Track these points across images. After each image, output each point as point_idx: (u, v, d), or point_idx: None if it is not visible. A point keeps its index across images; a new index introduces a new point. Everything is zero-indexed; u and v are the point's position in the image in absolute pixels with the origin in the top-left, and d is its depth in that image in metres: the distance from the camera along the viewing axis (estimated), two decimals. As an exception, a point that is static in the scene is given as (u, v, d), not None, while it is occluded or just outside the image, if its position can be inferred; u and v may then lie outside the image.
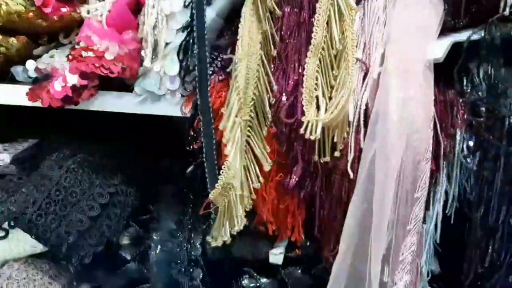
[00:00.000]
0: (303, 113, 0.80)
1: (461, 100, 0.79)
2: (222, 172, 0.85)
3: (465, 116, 0.79)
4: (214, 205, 0.89)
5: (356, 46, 0.82)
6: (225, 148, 0.87)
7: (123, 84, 0.94)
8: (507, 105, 0.74)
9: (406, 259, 0.81)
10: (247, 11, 0.80)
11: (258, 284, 0.98)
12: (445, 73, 0.82)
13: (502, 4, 0.76)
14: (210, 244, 0.95)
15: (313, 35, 0.79)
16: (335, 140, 0.82)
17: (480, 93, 0.77)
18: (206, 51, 0.82)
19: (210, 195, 0.87)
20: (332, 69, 0.81)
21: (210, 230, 0.98)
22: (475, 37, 0.75)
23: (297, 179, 0.85)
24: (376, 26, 0.82)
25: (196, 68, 0.83)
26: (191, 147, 0.86)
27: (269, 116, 0.84)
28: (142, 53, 0.86)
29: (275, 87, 0.84)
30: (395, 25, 0.79)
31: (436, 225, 0.86)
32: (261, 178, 0.86)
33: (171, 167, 1.14)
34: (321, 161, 0.84)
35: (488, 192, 0.80)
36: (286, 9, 0.82)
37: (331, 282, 0.83)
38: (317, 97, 0.81)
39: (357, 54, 0.82)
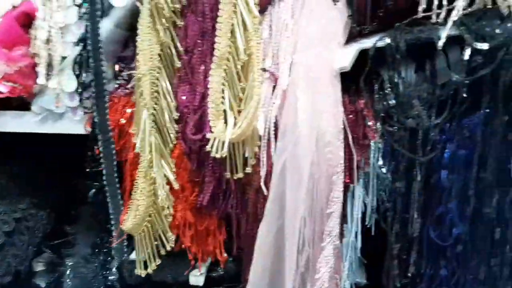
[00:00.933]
0: (210, 129, 0.75)
1: (372, 109, 0.77)
2: (136, 199, 0.80)
3: (377, 126, 0.76)
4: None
5: (264, 56, 0.78)
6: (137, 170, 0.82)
7: (24, 103, 0.87)
8: (414, 115, 0.71)
9: (323, 276, 0.77)
10: (144, 23, 0.75)
11: (181, 307, 0.93)
12: (357, 82, 0.79)
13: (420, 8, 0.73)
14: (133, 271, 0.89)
15: (216, 45, 0.75)
16: (246, 155, 0.79)
17: (390, 101, 0.74)
18: (102, 65, 0.77)
19: (124, 227, 0.82)
20: (240, 80, 0.77)
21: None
22: (381, 43, 0.72)
23: (208, 197, 0.80)
24: (284, 34, 0.78)
25: (92, 83, 0.77)
26: (92, 169, 0.80)
27: (172, 132, 0.79)
28: (37, 69, 0.79)
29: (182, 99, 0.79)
30: (302, 34, 0.76)
31: (356, 237, 0.84)
32: (171, 197, 0.81)
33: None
34: (234, 178, 0.80)
35: (405, 202, 0.77)
36: (189, 18, 0.78)
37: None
38: (224, 111, 0.77)
39: (265, 64, 0.78)
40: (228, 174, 0.79)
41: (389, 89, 0.73)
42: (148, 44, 0.76)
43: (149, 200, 0.80)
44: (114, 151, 0.81)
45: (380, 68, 0.76)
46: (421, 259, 0.79)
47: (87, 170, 0.80)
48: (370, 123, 0.77)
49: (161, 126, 0.79)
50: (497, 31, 0.63)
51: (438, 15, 0.68)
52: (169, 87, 0.78)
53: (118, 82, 0.85)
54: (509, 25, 0.62)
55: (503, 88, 0.64)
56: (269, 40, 0.78)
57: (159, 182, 0.77)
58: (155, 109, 0.78)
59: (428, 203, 0.77)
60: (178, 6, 0.76)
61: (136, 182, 0.81)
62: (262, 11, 0.78)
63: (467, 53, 0.66)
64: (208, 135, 0.74)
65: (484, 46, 0.62)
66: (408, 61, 0.75)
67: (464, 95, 0.70)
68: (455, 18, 0.66)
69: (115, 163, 0.81)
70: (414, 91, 0.72)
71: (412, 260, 0.79)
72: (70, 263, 0.93)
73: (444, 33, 0.66)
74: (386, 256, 0.80)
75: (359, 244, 0.84)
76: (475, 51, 0.64)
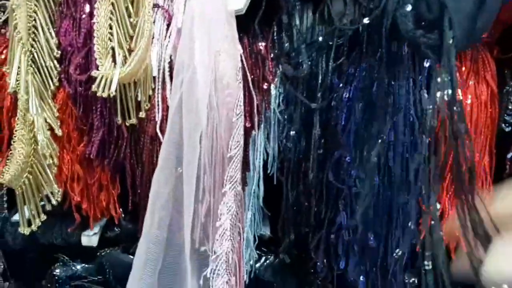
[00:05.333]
0: (97, 68, 0.69)
1: (271, 52, 0.74)
2: (14, 148, 0.71)
3: (276, 70, 0.74)
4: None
5: (156, -9, 0.72)
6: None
7: None
8: (304, 59, 0.69)
9: (224, 224, 0.74)
10: None
11: (73, 271, 0.85)
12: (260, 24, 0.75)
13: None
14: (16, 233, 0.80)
15: (101, -25, 0.68)
16: (139, 98, 0.73)
17: (285, 45, 0.72)
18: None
19: (2, 180, 0.72)
20: (130, 16, 0.71)
21: (10, 215, 0.84)
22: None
23: (98, 146, 0.74)
24: (179, -32, 0.73)
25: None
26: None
27: (53, 71, 0.71)
28: None
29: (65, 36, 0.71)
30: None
31: (258, 186, 0.81)
32: (54, 145, 0.73)
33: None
34: (126, 124, 0.74)
35: (303, 147, 0.76)
36: None
37: (143, 260, 0.73)
38: (113, 48, 0.70)
39: (157, 0, 0.72)
40: (119, 120, 0.73)
41: (284, 33, 0.71)
42: (23, -30, 0.67)
43: (29, 149, 0.71)
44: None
45: (277, 10, 0.74)
46: (321, 206, 0.79)
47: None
48: (269, 66, 0.74)
49: (40, 65, 0.70)
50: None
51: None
52: (49, 22, 0.70)
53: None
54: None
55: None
56: (162, -26, 0.73)
57: (39, 126, 0.69)
58: (32, 46, 0.69)
59: (327, 147, 0.76)
60: None
61: (15, 130, 0.72)
62: None
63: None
64: (93, 73, 0.67)
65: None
66: (306, 2, 0.74)
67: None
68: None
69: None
70: (306, 34, 0.71)
71: (314, 207, 0.79)
72: None
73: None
74: (282, 206, 0.79)
75: (261, 193, 0.81)
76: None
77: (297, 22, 0.73)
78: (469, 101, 0.76)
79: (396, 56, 0.72)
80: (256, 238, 0.85)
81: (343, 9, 0.71)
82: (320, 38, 0.72)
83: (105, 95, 0.67)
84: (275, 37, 0.74)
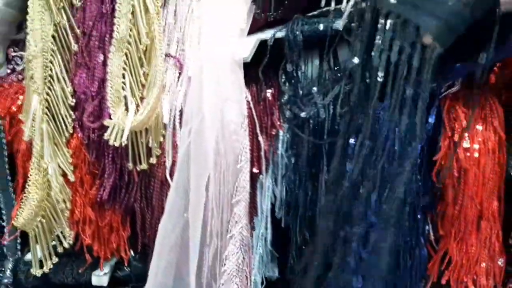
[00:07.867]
0: (110, 116, 0.71)
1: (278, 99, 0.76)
2: (29, 192, 0.73)
3: (283, 116, 0.75)
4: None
5: (169, 42, 0.75)
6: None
7: None
8: (310, 105, 0.71)
9: (230, 269, 0.75)
10: (35, 1, 0.69)
11: (83, 310, 0.86)
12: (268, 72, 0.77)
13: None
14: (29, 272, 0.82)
15: (115, 27, 0.70)
16: (150, 145, 0.75)
17: (291, 93, 0.74)
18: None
19: (16, 223, 0.75)
20: (142, 66, 0.73)
21: (23, 254, 0.86)
22: (280, 34, 0.71)
23: (109, 190, 0.75)
24: (189, 20, 0.75)
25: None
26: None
27: (68, 119, 0.74)
28: None
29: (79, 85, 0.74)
30: (207, 20, 0.73)
31: (266, 229, 0.82)
32: (67, 190, 0.75)
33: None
34: (137, 169, 0.76)
35: (311, 192, 0.77)
36: (87, -1, 0.73)
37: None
38: (125, 97, 0.72)
39: (170, 50, 0.75)
40: (130, 165, 0.75)
41: (291, 80, 0.73)
42: (40, 24, 0.70)
43: (43, 194, 0.73)
44: (4, 141, 0.75)
45: (283, 58, 0.75)
46: (329, 250, 0.79)
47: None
48: (276, 113, 0.76)
49: (55, 113, 0.73)
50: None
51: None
52: (64, 72, 0.73)
53: (10, 67, 0.79)
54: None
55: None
56: (174, 26, 0.76)
57: (52, 173, 0.71)
58: (48, 94, 0.72)
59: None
60: (75, -17, 0.71)
61: (29, 175, 0.74)
62: (167, -6, 0.75)
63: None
64: (105, 122, 0.69)
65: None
66: (312, 51, 0.75)
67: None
68: (351, 9, 0.66)
69: (5, 153, 0.75)
70: (313, 81, 0.72)
71: (319, 249, 0.79)
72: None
73: (341, 23, 0.66)
74: (290, 249, 0.79)
75: (269, 236, 0.82)
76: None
77: (303, 69, 0.74)
78: (476, 147, 0.76)
79: (403, 102, 0.73)
80: (264, 280, 0.85)
81: (349, 55, 0.73)
82: (327, 85, 0.73)
83: (117, 144, 0.69)
84: (282, 85, 0.75)
